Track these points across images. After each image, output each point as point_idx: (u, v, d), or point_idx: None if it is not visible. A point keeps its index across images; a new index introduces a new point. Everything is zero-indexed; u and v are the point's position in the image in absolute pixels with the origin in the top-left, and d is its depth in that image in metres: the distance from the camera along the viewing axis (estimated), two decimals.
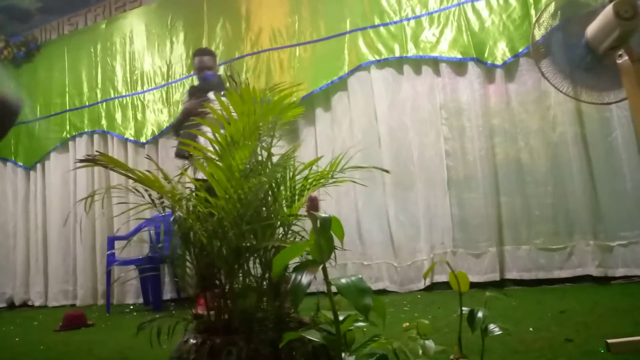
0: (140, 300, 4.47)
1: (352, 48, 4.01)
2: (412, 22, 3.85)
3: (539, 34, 2.16)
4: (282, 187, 1.57)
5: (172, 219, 1.45)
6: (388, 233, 3.76)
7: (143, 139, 4.85)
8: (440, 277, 3.49)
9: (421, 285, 3.57)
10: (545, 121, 3.41)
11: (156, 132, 4.79)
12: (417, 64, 3.83)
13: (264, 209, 1.54)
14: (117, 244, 4.21)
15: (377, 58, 3.91)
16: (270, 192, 1.55)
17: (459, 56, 3.65)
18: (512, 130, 3.51)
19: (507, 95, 3.56)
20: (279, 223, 1.55)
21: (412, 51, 3.81)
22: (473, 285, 3.21)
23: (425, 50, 3.77)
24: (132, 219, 4.34)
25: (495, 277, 3.36)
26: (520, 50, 3.49)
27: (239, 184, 1.38)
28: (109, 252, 4.13)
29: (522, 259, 3.36)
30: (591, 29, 1.84)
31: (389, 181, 3.75)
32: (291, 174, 1.58)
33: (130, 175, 1.40)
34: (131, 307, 4.40)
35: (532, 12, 3.46)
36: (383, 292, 3.66)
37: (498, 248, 3.41)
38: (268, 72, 4.28)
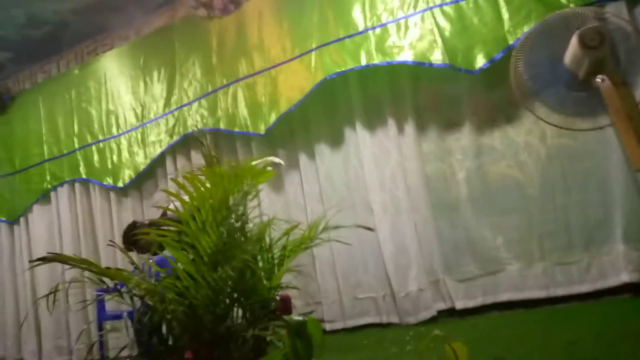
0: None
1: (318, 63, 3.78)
2: (378, 30, 3.60)
3: (520, 58, 2.10)
4: (259, 259, 1.47)
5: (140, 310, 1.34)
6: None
7: (120, 183, 4.72)
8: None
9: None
10: (532, 135, 3.29)
11: (133, 175, 4.67)
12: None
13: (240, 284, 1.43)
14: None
15: (343, 69, 3.66)
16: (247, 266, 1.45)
17: (429, 62, 3.42)
18: (498, 146, 3.38)
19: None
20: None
21: (379, 58, 3.57)
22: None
23: (392, 57, 3.54)
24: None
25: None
26: (495, 54, 3.24)
27: (208, 269, 1.27)
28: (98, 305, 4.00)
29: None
30: (567, 56, 1.75)
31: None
32: (268, 244, 1.48)
33: (89, 268, 1.30)
34: (127, 359, 4.24)
35: (504, 14, 3.23)
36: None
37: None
38: (241, 103, 4.17)
